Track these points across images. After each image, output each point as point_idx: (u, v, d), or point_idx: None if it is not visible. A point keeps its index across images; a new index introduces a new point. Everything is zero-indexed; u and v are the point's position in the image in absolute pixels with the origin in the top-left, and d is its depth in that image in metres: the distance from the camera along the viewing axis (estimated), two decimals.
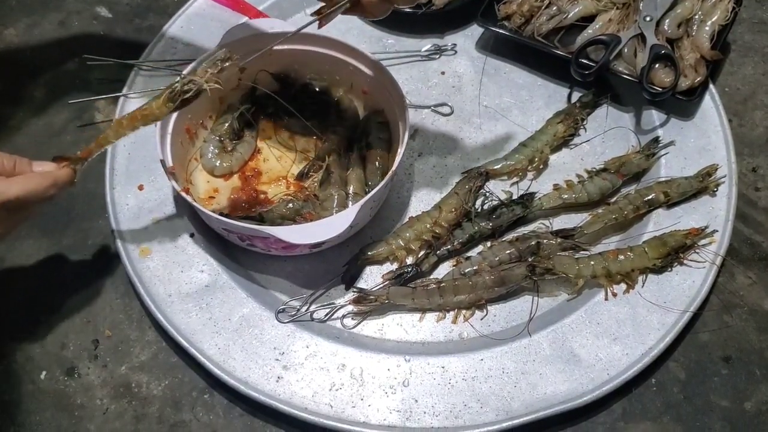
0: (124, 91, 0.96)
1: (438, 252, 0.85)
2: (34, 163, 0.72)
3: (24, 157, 0.72)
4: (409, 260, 0.86)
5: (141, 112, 0.74)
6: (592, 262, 0.82)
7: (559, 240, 0.84)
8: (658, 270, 0.83)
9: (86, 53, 0.99)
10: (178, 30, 1.03)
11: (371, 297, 0.81)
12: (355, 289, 0.82)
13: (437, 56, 1.03)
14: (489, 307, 0.82)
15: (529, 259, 0.82)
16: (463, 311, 0.82)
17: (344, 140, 0.91)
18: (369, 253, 0.85)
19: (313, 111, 0.94)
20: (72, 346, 0.82)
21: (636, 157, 0.91)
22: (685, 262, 0.84)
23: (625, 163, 0.90)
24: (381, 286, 0.83)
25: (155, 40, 1.01)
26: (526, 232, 0.87)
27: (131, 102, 0.95)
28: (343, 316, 0.82)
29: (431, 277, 0.85)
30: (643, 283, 0.83)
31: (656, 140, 0.94)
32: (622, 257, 0.82)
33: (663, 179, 0.90)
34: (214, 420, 0.77)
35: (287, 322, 0.81)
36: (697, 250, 0.84)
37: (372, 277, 0.85)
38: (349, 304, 0.82)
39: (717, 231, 0.86)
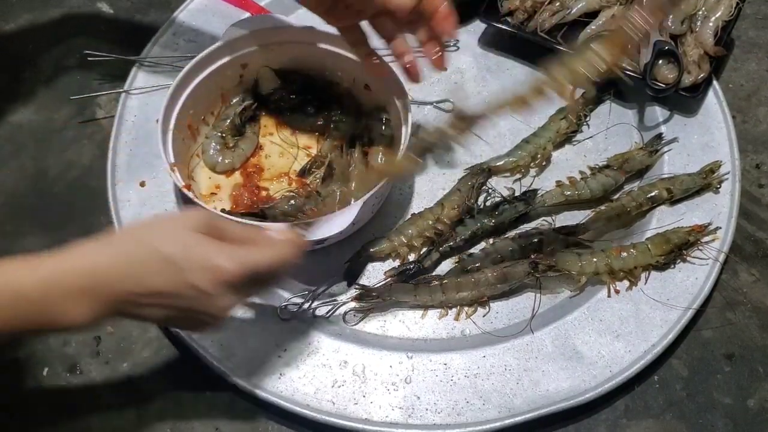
0: (126, 86, 0.96)
1: (440, 249, 0.85)
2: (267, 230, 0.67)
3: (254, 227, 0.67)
4: (411, 257, 0.86)
5: (387, 168, 0.75)
6: (595, 259, 0.82)
7: (561, 237, 0.84)
8: (661, 267, 0.83)
9: (87, 49, 0.98)
10: (179, 26, 1.02)
11: (373, 294, 0.81)
12: (357, 286, 0.82)
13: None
14: (491, 304, 0.82)
15: (532, 256, 0.82)
16: (466, 308, 0.82)
17: (346, 136, 0.91)
18: (371, 249, 0.84)
19: (316, 107, 0.94)
20: (74, 342, 0.81)
21: (639, 153, 0.91)
22: (688, 259, 0.83)
23: (627, 160, 0.90)
24: (383, 283, 0.83)
25: (157, 36, 1.01)
26: (528, 228, 0.87)
27: (133, 98, 0.95)
28: (345, 313, 0.82)
29: (433, 273, 0.84)
30: (646, 280, 0.82)
31: (659, 137, 0.93)
32: (625, 254, 0.82)
33: (666, 176, 0.89)
34: (217, 417, 0.77)
35: (289, 319, 0.80)
36: (700, 247, 0.84)
37: (374, 274, 0.85)
38: (352, 301, 0.81)
39: (720, 228, 0.86)
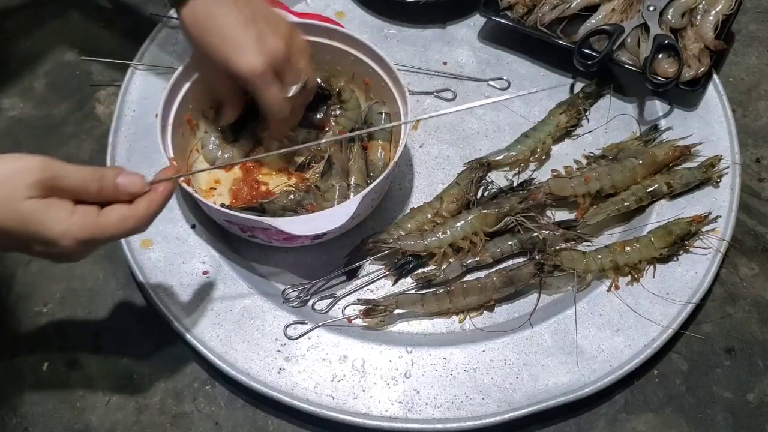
0: (123, 86, 0.95)
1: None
2: (120, 177, 0.61)
3: (106, 169, 0.62)
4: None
5: None
6: (600, 256, 0.82)
7: (561, 231, 0.84)
8: (665, 259, 0.83)
9: (86, 44, 0.98)
10: (178, 21, 1.02)
11: (380, 307, 0.80)
12: (361, 301, 0.81)
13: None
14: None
15: (537, 257, 0.81)
16: (471, 312, 0.81)
17: (346, 131, 0.91)
18: (370, 244, 0.84)
19: (315, 101, 0.93)
20: (73, 337, 0.82)
21: (634, 143, 0.91)
22: (691, 249, 0.83)
23: (623, 150, 0.90)
24: (389, 295, 0.82)
25: (155, 31, 1.00)
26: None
27: (132, 93, 0.95)
28: (345, 307, 0.82)
29: (432, 268, 0.84)
30: (654, 274, 0.82)
31: (655, 127, 0.93)
32: (629, 248, 0.82)
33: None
34: (216, 411, 0.77)
35: (295, 306, 0.81)
36: (701, 237, 0.84)
37: (374, 269, 0.85)
38: (359, 317, 0.81)
39: (720, 216, 0.86)
